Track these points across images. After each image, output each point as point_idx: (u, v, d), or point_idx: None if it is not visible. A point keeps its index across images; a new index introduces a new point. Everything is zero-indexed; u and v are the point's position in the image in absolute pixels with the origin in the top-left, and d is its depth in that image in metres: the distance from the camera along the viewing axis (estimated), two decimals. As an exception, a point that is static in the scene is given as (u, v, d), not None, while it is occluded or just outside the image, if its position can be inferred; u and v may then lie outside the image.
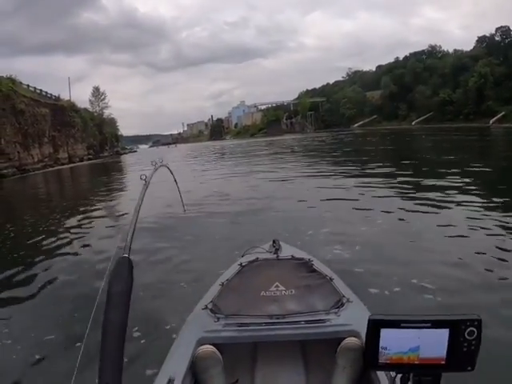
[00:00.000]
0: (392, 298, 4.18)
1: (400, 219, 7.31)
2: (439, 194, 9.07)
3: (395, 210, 7.97)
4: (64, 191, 21.72)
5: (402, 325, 1.24)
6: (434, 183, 10.66)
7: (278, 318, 2.13)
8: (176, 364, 1.90)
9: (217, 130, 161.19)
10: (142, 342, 3.61)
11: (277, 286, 2.30)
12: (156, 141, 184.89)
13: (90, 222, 9.80)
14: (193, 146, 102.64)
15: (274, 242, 2.98)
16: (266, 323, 2.10)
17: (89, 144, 58.98)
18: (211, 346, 1.96)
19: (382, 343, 1.25)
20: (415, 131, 55.04)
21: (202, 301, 2.41)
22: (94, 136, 62.55)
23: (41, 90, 46.99)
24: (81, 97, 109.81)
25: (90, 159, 55.39)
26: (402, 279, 4.59)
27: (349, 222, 7.37)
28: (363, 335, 1.43)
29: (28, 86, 42.88)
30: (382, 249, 5.75)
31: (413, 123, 78.84)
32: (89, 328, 1.36)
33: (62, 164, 45.44)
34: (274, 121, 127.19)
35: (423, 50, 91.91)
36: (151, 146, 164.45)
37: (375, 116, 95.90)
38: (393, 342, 1.25)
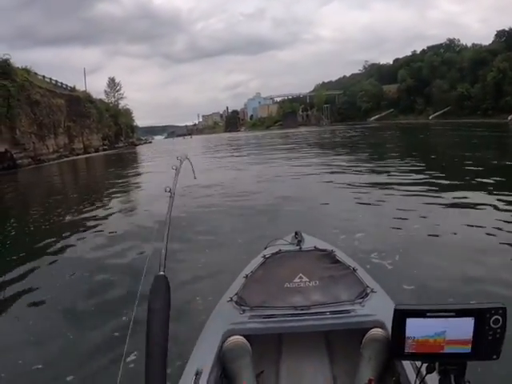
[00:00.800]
0: (416, 289, 4.18)
1: (425, 215, 7.21)
2: (470, 192, 8.91)
3: (420, 205, 7.92)
4: (79, 183, 21.49)
5: (428, 314, 1.25)
6: (463, 181, 10.44)
7: (302, 309, 2.13)
8: (203, 356, 1.92)
9: (232, 121, 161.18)
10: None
11: (300, 278, 2.32)
12: (171, 132, 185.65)
13: (107, 222, 9.26)
14: (208, 137, 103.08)
15: (296, 233, 3.01)
16: (291, 314, 2.11)
17: (104, 135, 59.51)
18: (241, 337, 1.98)
19: (407, 333, 1.27)
20: (434, 126, 53.88)
21: (226, 293, 2.42)
22: (109, 127, 63.10)
23: (56, 81, 47.33)
24: (96, 88, 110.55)
25: (105, 150, 55.93)
26: (427, 271, 4.63)
27: (374, 216, 7.44)
28: (388, 325, 1.48)
29: (43, 76, 43.30)
30: (409, 243, 5.77)
31: (430, 117, 77.64)
32: (127, 344, 1.43)
33: (77, 154, 45.99)
34: (290, 113, 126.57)
35: (441, 44, 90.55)
36: (166, 137, 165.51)
37: (392, 110, 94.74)
38: (418, 331, 1.26)
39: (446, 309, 1.24)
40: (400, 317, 1.27)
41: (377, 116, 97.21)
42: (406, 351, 1.28)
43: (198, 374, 1.78)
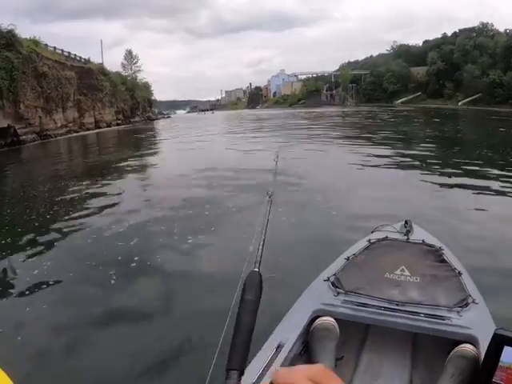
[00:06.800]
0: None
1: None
2: None
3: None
4: (84, 162, 19.71)
5: None
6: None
7: (397, 305, 2.05)
8: (289, 330, 1.93)
9: (255, 97, 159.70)
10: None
11: (402, 270, 2.25)
12: (194, 106, 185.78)
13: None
14: (229, 113, 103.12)
15: (406, 222, 2.92)
16: (385, 308, 2.04)
17: (118, 109, 58.06)
18: (332, 319, 1.96)
19: (501, 362, 1.15)
20: (469, 113, 50.58)
21: (324, 272, 2.40)
22: (125, 100, 61.52)
23: (69, 53, 45.76)
24: (119, 62, 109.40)
25: (118, 124, 54.63)
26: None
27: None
28: (481, 344, 1.42)
29: (55, 48, 41.79)
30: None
31: (459, 103, 73.98)
32: (226, 327, 1.48)
33: (88, 129, 44.77)
34: (314, 91, 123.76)
35: (473, 27, 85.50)
36: (189, 112, 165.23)
37: (419, 93, 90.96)
38: None
39: None
40: (498, 342, 1.16)
41: (404, 99, 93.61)
42: (494, 381, 1.18)
43: (279, 347, 1.79)
